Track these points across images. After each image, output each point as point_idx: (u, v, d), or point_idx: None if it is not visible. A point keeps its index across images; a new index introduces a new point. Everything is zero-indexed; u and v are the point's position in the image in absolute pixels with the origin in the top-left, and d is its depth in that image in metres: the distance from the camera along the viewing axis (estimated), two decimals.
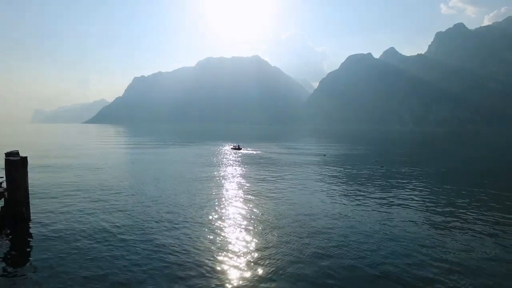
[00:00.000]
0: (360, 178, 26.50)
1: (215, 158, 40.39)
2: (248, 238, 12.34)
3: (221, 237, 12.41)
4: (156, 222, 14.08)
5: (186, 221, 14.21)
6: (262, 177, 26.10)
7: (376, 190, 21.84)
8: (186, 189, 21.17)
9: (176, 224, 13.85)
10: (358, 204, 17.73)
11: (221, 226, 13.72)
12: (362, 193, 20.57)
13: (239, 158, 41.04)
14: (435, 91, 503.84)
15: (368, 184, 23.95)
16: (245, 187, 22.04)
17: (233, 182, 24.01)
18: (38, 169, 27.69)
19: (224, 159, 39.42)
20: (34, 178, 23.03)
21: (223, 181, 24.27)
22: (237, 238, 12.29)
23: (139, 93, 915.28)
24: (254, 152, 49.84)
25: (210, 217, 14.87)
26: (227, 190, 20.93)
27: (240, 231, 13.07)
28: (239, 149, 54.11)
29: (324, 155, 46.50)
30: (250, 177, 25.82)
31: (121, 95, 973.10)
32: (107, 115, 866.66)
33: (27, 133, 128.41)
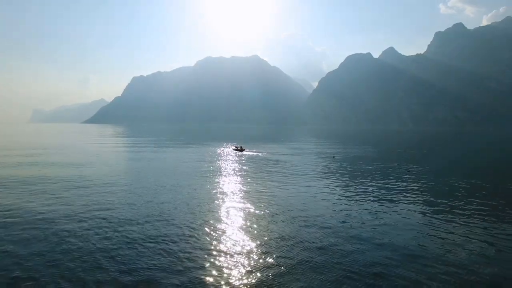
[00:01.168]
0: (389, 186, 24.21)
1: (218, 163, 37.79)
2: (268, 265, 10.13)
3: (232, 259, 10.29)
4: (162, 251, 11.82)
5: (192, 242, 12.02)
6: (272, 187, 23.72)
7: (414, 204, 19.52)
8: (189, 204, 18.89)
9: (181, 248, 11.64)
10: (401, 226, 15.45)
11: (230, 247, 11.57)
12: (399, 206, 18.36)
13: (243, 162, 38.73)
14: (435, 90, 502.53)
15: (398, 194, 21.58)
16: (257, 202, 19.34)
17: (242, 195, 21.48)
18: (14, 181, 24.35)
19: (228, 164, 36.90)
20: (5, 193, 20.39)
21: (232, 195, 20.92)
22: (250, 261, 10.13)
23: (138, 93, 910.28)
24: (260, 154, 47.54)
25: (218, 237, 12.76)
26: (236, 206, 18.21)
27: (256, 254, 10.90)
28: (242, 150, 51.80)
29: (333, 156, 44.32)
30: (260, 189, 23.27)
31: (120, 95, 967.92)
32: (106, 115, 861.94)
33: (25, 133, 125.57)
